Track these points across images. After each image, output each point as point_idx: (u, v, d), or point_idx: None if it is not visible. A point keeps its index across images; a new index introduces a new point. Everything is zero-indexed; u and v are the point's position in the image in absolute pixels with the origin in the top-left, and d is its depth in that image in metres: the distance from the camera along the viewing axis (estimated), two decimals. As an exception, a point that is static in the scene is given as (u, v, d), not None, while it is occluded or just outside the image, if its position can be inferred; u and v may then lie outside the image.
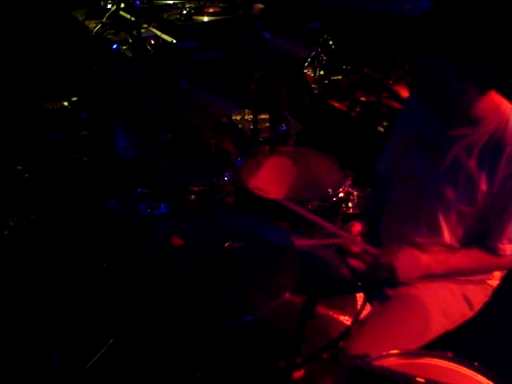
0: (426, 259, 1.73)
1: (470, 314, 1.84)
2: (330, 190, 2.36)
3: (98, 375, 1.84)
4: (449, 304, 1.80)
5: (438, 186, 1.75)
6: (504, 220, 1.67)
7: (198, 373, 1.44)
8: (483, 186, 1.65)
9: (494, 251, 1.70)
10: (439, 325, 1.78)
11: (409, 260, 1.73)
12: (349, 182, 2.41)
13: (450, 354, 1.46)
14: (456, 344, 1.72)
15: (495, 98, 1.65)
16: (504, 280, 1.87)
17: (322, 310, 1.63)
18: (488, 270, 1.83)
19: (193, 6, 4.13)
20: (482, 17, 1.49)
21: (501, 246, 1.68)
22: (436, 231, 1.79)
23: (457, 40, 1.50)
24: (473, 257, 1.74)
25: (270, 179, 2.50)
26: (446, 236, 1.78)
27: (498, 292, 1.88)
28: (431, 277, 1.75)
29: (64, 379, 1.80)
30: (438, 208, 1.76)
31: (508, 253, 1.68)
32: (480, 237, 1.73)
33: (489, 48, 1.50)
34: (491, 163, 1.63)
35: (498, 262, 1.73)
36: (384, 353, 1.48)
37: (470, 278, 1.83)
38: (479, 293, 1.85)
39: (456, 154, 1.70)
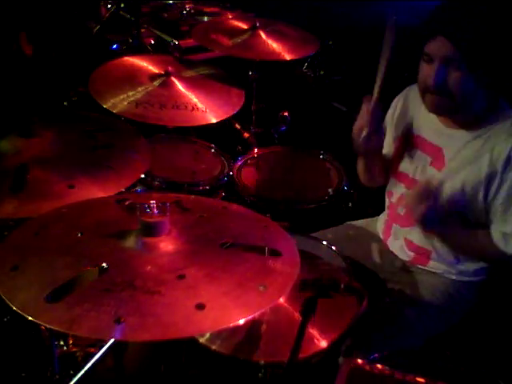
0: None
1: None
2: (330, 189, 2.36)
3: (97, 375, 1.84)
4: (448, 300, 1.81)
5: (437, 188, 1.75)
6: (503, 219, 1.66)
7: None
8: (482, 187, 1.65)
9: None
10: (441, 322, 1.79)
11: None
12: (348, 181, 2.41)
13: (448, 354, 1.47)
14: (456, 344, 1.73)
15: (496, 98, 1.67)
16: (503, 280, 1.87)
17: (323, 309, 1.63)
18: (491, 256, 1.78)
19: (193, 5, 4.13)
20: (495, 30, 1.54)
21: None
22: (433, 235, 1.79)
23: (474, 54, 1.53)
24: (481, 234, 1.72)
25: (270, 179, 2.50)
26: (442, 241, 1.78)
27: (497, 292, 1.88)
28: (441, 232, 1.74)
29: (63, 379, 1.81)
30: (436, 210, 1.76)
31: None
32: None
33: (500, 59, 1.55)
34: (491, 163, 1.63)
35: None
36: (384, 353, 1.48)
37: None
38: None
39: (456, 154, 1.70)
